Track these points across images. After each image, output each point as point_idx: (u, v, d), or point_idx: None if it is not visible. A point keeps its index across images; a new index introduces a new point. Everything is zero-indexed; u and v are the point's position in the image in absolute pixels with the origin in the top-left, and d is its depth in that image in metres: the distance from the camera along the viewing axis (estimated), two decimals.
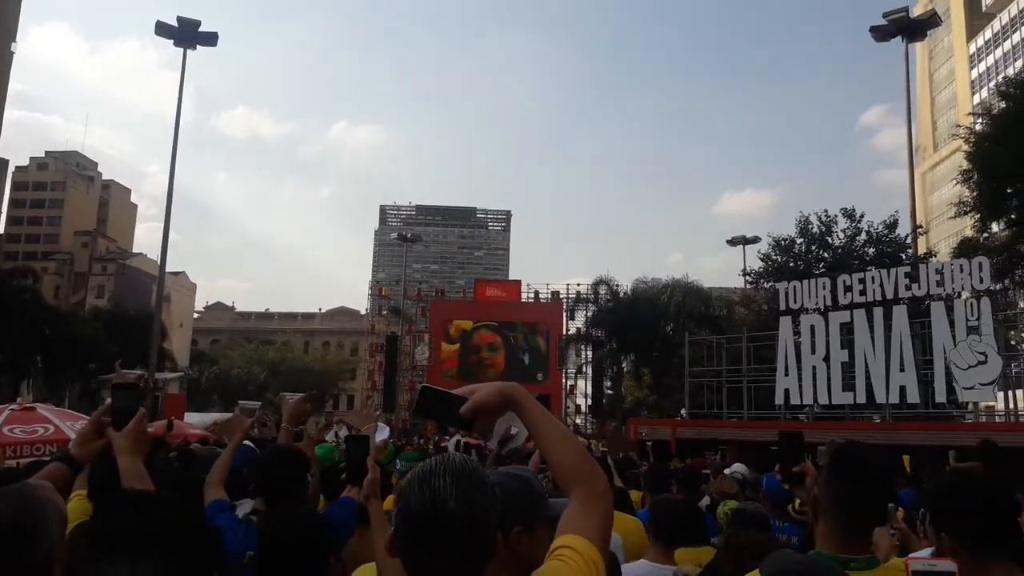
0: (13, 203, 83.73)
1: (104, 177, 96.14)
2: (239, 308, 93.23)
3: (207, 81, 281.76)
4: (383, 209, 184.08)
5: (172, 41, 27.24)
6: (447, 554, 1.36)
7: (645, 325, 35.04)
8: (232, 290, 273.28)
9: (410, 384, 43.01)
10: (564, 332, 40.19)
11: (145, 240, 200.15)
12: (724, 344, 19.49)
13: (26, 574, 1.54)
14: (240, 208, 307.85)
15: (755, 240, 36.30)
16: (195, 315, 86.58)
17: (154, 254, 70.46)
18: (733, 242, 39.63)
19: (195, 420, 16.13)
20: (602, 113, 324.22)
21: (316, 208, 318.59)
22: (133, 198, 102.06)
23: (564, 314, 40.56)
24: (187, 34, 27.26)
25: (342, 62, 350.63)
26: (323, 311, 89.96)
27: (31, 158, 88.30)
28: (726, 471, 8.10)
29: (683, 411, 20.40)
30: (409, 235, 54.63)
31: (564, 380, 39.68)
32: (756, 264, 31.75)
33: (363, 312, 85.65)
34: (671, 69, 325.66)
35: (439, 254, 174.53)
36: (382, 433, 6.75)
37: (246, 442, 4.43)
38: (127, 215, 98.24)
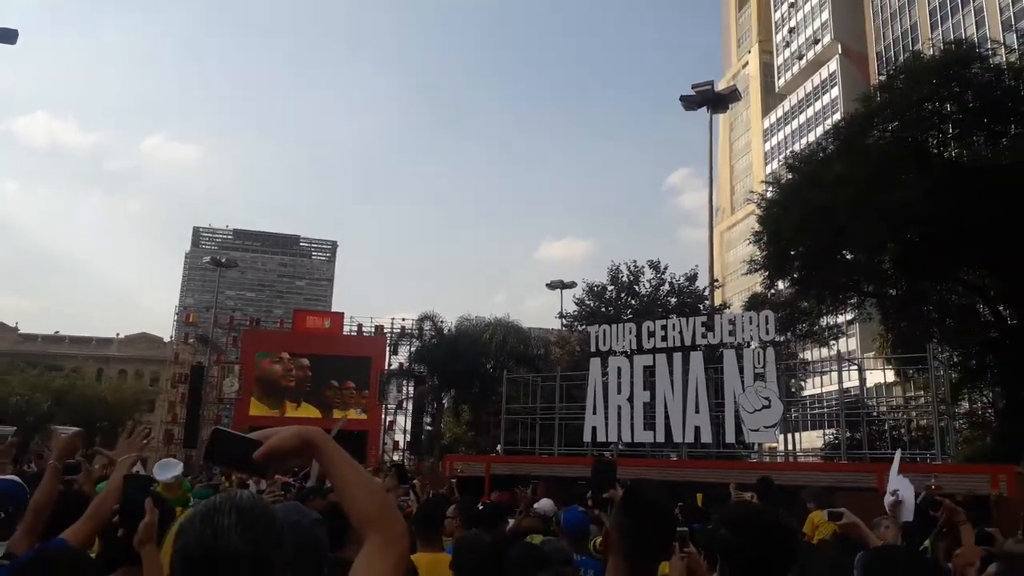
0: None
1: None
2: (23, 329, 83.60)
3: (4, 79, 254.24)
4: (196, 231, 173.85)
5: None
6: None
7: (467, 362, 35.45)
8: (15, 309, 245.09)
9: (216, 417, 40.33)
10: (387, 366, 39.66)
11: None
12: (540, 382, 20.06)
13: None
14: (30, 220, 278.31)
15: (572, 285, 37.99)
16: None
17: None
18: (552, 286, 41.17)
19: None
20: (433, 154, 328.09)
21: (120, 226, 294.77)
22: None
23: (387, 348, 40.05)
24: None
25: (160, 74, 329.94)
26: (121, 336, 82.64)
27: None
28: (535, 506, 8.33)
29: (499, 447, 20.70)
30: (224, 259, 51.79)
31: (384, 415, 39.05)
32: (571, 308, 33.32)
33: (167, 340, 79.70)
34: (499, 120, 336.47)
35: (256, 281, 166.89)
36: (168, 471, 6.17)
37: (13, 477, 3.97)
38: None
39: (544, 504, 8.41)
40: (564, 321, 34.08)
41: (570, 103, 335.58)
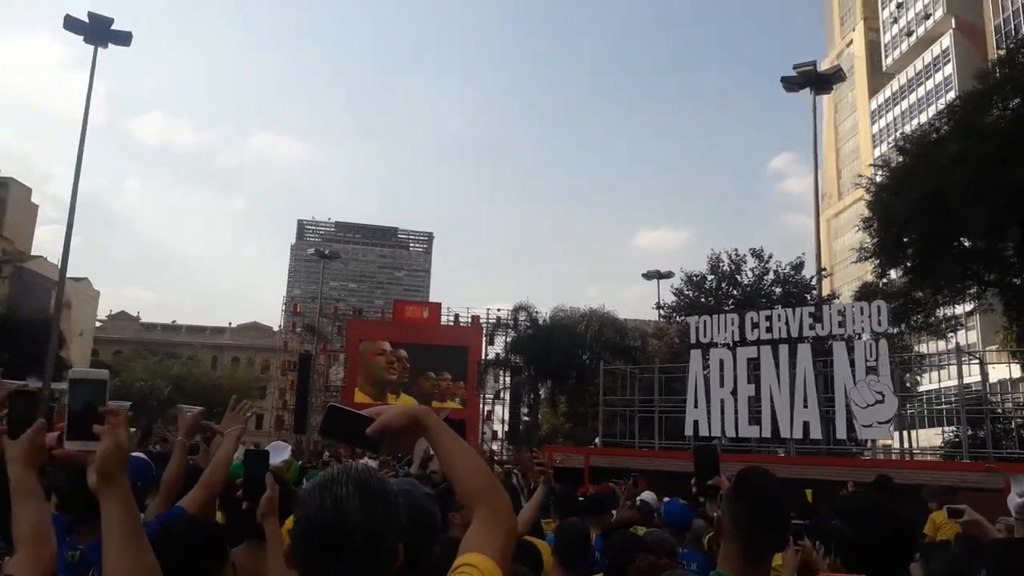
0: None
1: (2, 174, 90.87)
2: (144, 319, 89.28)
3: (123, 83, 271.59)
4: (301, 224, 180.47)
5: (82, 38, 26.09)
6: (346, 564, 1.34)
7: (562, 353, 35.44)
8: (138, 300, 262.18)
9: (324, 404, 41.93)
10: (483, 356, 40.16)
11: (46, 243, 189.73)
12: (637, 374, 19.83)
13: None
14: (150, 216, 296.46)
15: (669, 275, 37.34)
16: (97, 324, 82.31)
17: (55, 258, 66.99)
18: (648, 276, 40.56)
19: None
20: (527, 142, 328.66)
21: (231, 220, 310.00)
22: (35, 198, 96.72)
23: (484, 338, 40.54)
24: (99, 31, 26.05)
25: (266, 75, 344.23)
26: (233, 326, 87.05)
27: None
28: (638, 498, 8.24)
29: (597, 439, 20.61)
30: (327, 251, 53.63)
31: (481, 405, 39.58)
32: (669, 298, 32.72)
33: (276, 329, 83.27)
34: (592, 107, 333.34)
35: (358, 273, 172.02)
36: (280, 454, 6.47)
37: (140, 454, 4.23)
38: (26, 215, 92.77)
39: (647, 496, 8.32)
40: (662, 312, 33.48)
41: (666, 91, 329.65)
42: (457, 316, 41.20)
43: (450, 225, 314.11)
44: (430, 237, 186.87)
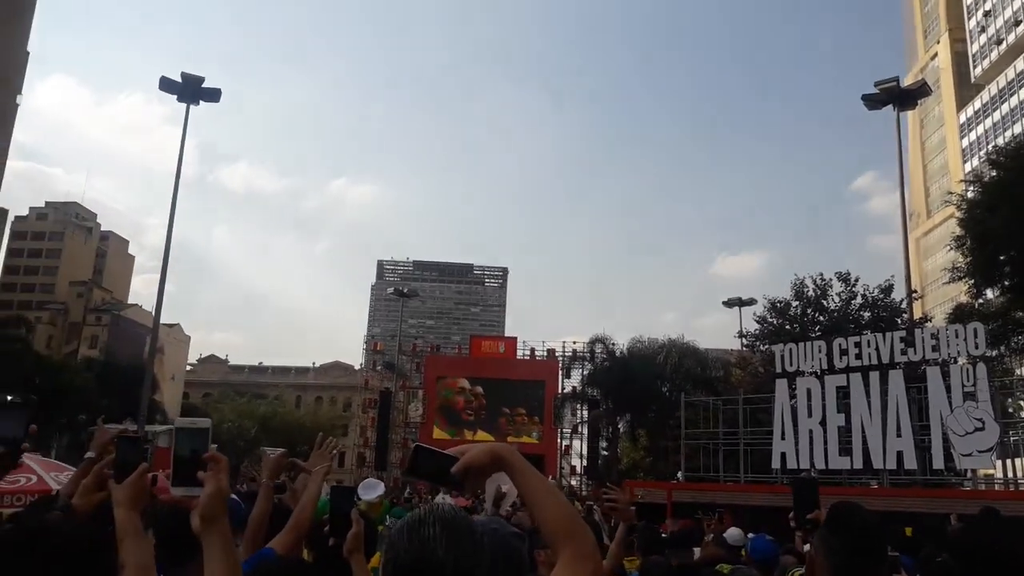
0: (10, 252, 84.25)
1: (103, 228, 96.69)
2: (233, 361, 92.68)
3: (211, 135, 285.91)
4: (380, 264, 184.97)
5: (176, 96, 27.70)
6: None
7: (641, 385, 34.87)
8: (226, 343, 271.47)
9: (403, 441, 42.50)
10: (560, 390, 39.93)
11: (141, 291, 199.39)
12: (720, 406, 19.33)
13: None
14: (237, 261, 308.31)
15: (751, 302, 36.39)
16: (188, 368, 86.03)
17: (150, 305, 70.36)
18: (729, 304, 39.71)
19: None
20: (598, 173, 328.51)
21: (312, 263, 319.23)
22: (132, 250, 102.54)
23: (560, 372, 40.35)
24: (190, 90, 27.66)
25: (342, 121, 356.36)
26: (317, 365, 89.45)
27: (30, 208, 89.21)
28: (724, 535, 7.97)
29: (679, 474, 20.10)
30: (405, 290, 54.70)
31: (559, 440, 39.27)
32: (752, 326, 31.86)
33: (357, 367, 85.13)
34: (665, 131, 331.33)
35: (435, 309, 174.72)
36: (372, 491, 6.58)
37: (232, 495, 4.35)
38: (124, 266, 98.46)
39: (732, 533, 8.03)
40: (744, 341, 32.61)
41: (742, 115, 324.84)
42: (533, 350, 41.23)
43: (525, 259, 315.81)
44: (505, 272, 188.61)
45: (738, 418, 17.86)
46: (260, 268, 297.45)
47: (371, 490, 6.56)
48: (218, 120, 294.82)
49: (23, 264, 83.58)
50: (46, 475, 6.15)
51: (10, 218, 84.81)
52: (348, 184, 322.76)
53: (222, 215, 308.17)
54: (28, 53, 60.60)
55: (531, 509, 1.64)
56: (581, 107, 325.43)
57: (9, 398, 2.02)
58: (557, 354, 40.62)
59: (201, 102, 28.13)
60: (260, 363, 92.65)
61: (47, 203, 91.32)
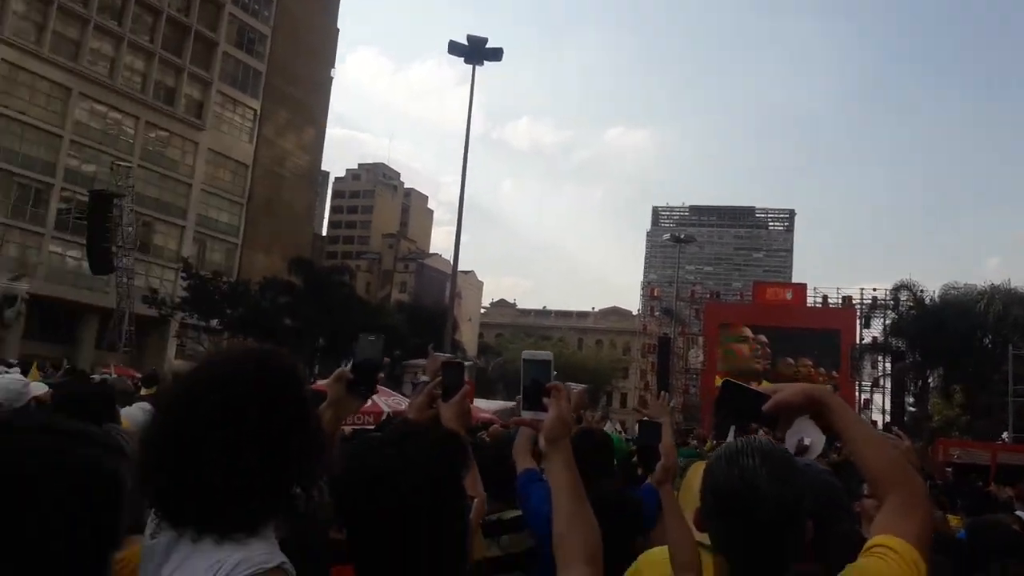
0: (333, 209, 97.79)
1: (406, 186, 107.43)
2: (520, 306, 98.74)
3: (495, 94, 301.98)
4: (655, 210, 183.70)
5: (463, 58, 29.45)
6: (759, 532, 1.36)
7: (956, 336, 31.14)
8: (514, 288, 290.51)
9: (684, 387, 42.29)
10: (858, 341, 36.90)
11: (440, 242, 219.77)
12: None
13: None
14: (522, 211, 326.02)
15: None
16: (482, 310, 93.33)
17: (448, 255, 77.14)
18: None
19: (482, 406, 17.40)
20: (904, 103, 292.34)
21: (590, 211, 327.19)
22: (430, 204, 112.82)
23: (858, 321, 37.18)
24: (476, 51, 29.16)
25: (618, 71, 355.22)
26: (596, 310, 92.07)
27: (347, 170, 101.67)
28: None
29: (1005, 435, 17.70)
30: (682, 235, 53.81)
31: (858, 393, 36.37)
32: None
33: (635, 312, 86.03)
34: (987, 56, 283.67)
35: (713, 255, 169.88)
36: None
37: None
38: (425, 220, 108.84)
39: None
40: None
41: None
42: (825, 297, 38.35)
43: (814, 201, 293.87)
44: (791, 214, 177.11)
45: None
46: (542, 217, 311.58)
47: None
48: (503, 79, 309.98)
49: (344, 219, 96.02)
50: (379, 399, 7.06)
51: (331, 179, 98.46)
52: (623, 132, 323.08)
53: (508, 169, 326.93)
54: (338, 29, 68.29)
55: (855, 453, 1.58)
56: (880, 37, 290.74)
57: (371, 337, 2.36)
58: (854, 302, 37.40)
59: (485, 62, 29.66)
60: (544, 307, 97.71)
61: (359, 165, 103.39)
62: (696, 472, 2.53)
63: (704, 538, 2.36)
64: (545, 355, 1.80)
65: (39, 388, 4.05)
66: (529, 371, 1.75)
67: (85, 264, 34.98)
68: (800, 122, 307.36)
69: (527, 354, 1.80)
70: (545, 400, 1.68)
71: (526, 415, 1.75)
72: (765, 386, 1.65)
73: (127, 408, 3.40)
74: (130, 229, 34.33)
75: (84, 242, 34.24)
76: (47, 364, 15.31)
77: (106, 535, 1.05)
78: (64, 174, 41.70)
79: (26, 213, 40.58)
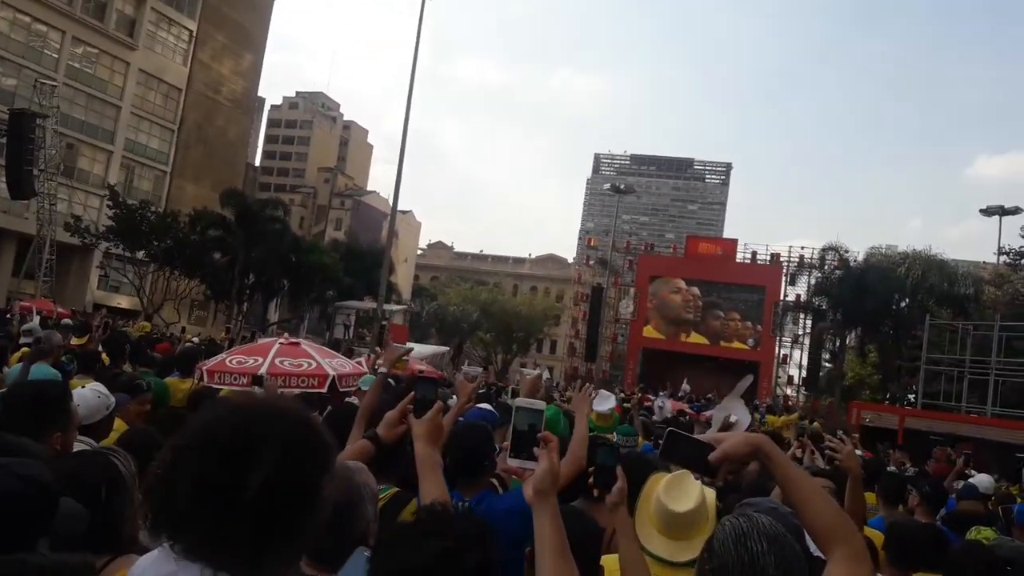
0: (268, 139, 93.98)
1: (345, 118, 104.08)
2: (457, 248, 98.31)
3: (443, 29, 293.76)
4: (597, 157, 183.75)
5: None
6: None
7: (877, 299, 32.43)
8: (451, 230, 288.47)
9: (612, 336, 43.18)
10: (782, 298, 38.20)
11: (379, 179, 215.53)
12: (970, 330, 17.55)
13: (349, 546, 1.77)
14: (463, 152, 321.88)
15: (1015, 211, 31.89)
16: (418, 252, 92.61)
17: (386, 192, 75.84)
18: (988, 212, 35.04)
19: (417, 349, 17.37)
20: (838, 60, 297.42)
21: (532, 155, 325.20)
22: (370, 139, 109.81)
23: (783, 279, 38.40)
24: None
25: (565, 10, 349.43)
26: (532, 256, 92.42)
27: (284, 97, 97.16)
28: (971, 480, 7.39)
29: (912, 398, 18.76)
30: (622, 185, 54.09)
31: (778, 349, 37.84)
32: (1015, 240, 28.16)
33: (571, 260, 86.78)
34: (917, 15, 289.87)
35: (651, 206, 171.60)
36: (605, 402, 6.82)
37: (484, 406, 4.70)
38: (364, 154, 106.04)
39: (982, 481, 7.42)
40: (1006, 257, 28.99)
41: None
42: (755, 253, 39.36)
43: (750, 156, 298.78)
44: (728, 168, 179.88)
45: (992, 345, 16.14)
46: (483, 159, 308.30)
47: (604, 402, 6.82)
48: (451, 13, 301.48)
49: (279, 150, 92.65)
50: (322, 360, 7.02)
51: (267, 107, 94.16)
52: (571, 74, 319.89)
53: (451, 107, 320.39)
54: None
55: (795, 504, 1.62)
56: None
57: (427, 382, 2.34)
58: (782, 260, 38.55)
59: None
60: (481, 251, 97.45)
61: (297, 93, 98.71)
62: (654, 484, 2.61)
63: (653, 548, 2.47)
64: (539, 404, 1.82)
65: None
66: (522, 417, 1.76)
67: (3, 187, 32.98)
68: (748, 76, 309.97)
69: (520, 402, 1.82)
70: (538, 451, 1.69)
71: (512, 463, 1.75)
72: (709, 435, 1.70)
73: (79, 391, 3.30)
74: (53, 152, 32.42)
75: (3, 163, 32.24)
76: None
77: None
78: None
79: None
